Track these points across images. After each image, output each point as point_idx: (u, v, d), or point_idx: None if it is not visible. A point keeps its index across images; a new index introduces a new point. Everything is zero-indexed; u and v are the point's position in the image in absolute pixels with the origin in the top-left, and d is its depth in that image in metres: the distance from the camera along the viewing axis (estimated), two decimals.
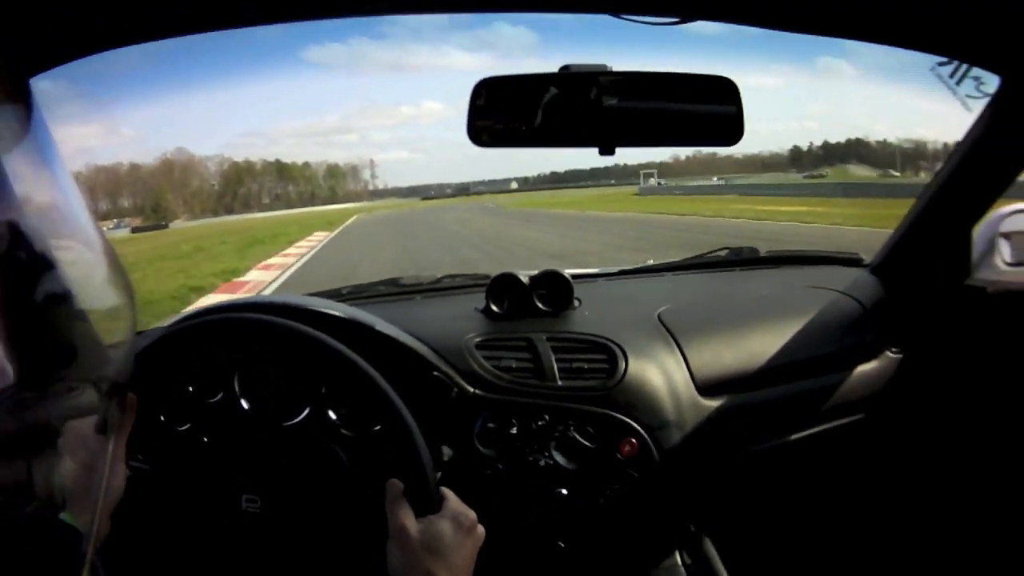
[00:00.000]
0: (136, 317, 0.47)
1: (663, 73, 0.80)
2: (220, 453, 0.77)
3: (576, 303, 1.04)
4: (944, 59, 1.00)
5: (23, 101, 0.44)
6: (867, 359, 1.04)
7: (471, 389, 0.88)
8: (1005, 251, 1.10)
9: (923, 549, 1.14)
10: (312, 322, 0.74)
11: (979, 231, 1.09)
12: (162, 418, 0.81)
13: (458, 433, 0.87)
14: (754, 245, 1.38)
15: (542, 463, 0.88)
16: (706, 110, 0.80)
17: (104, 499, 0.64)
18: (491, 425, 0.88)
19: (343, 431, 0.78)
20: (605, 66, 0.80)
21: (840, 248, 1.37)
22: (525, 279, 1.02)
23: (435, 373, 0.88)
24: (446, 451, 0.84)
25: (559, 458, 0.89)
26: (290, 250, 13.27)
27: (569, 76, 0.79)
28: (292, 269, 9.92)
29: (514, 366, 0.90)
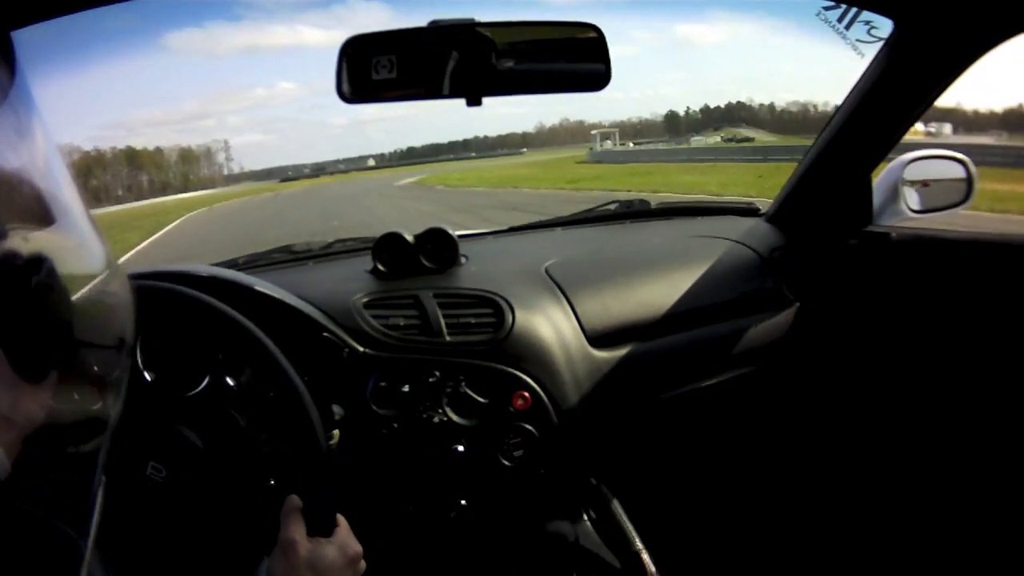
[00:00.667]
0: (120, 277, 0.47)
1: (528, 22, 0.81)
2: (126, 424, 0.78)
3: (463, 260, 1.05)
4: (831, 3, 1.01)
5: (3, 55, 0.43)
6: (764, 307, 1.05)
7: (361, 348, 0.89)
8: (912, 198, 1.10)
9: (818, 495, 1.15)
10: (205, 289, 0.75)
11: (880, 178, 1.09)
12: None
13: (351, 393, 0.88)
14: None
15: (436, 420, 0.89)
16: (572, 56, 0.81)
17: (22, 423, 0.65)
18: (383, 384, 0.89)
19: (241, 397, 0.79)
20: (472, 20, 0.81)
21: None
22: (410, 238, 1.02)
23: (325, 334, 0.88)
24: (337, 410, 0.85)
25: (453, 414, 0.89)
26: None
27: (435, 30, 0.80)
28: None
29: (402, 323, 0.91)
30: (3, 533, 0.38)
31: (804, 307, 1.07)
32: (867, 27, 1.02)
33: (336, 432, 0.83)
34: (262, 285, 0.88)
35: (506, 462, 0.90)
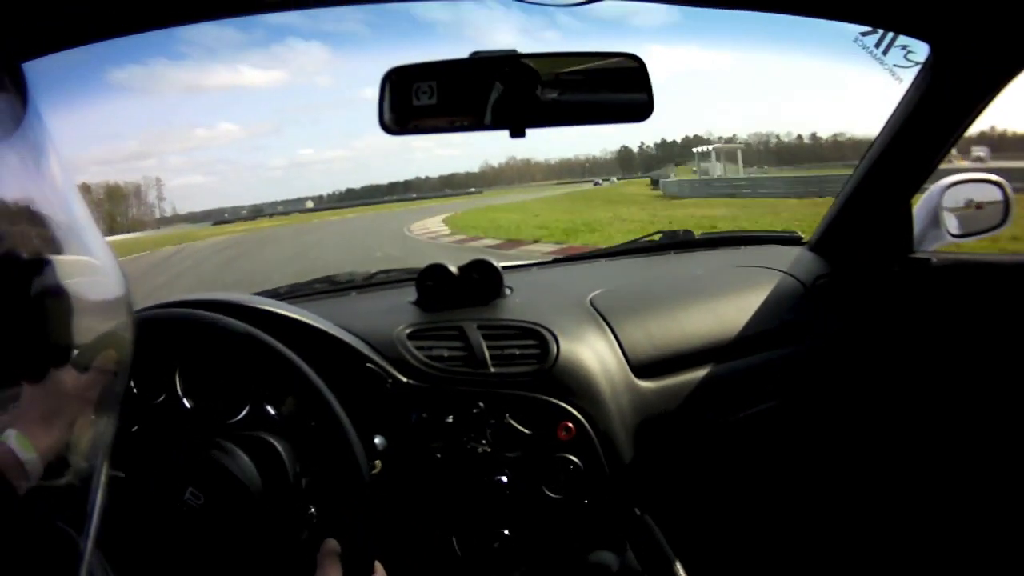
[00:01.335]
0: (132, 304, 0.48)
1: (571, 53, 0.81)
2: (166, 451, 0.77)
3: (507, 291, 1.04)
4: (868, 29, 1.00)
5: (16, 86, 0.44)
6: (808, 336, 1.03)
7: (405, 379, 0.88)
8: (951, 223, 1.09)
9: (868, 523, 1.12)
10: (246, 318, 0.75)
11: (920, 203, 1.08)
12: None
13: (394, 424, 0.86)
14: None
15: (480, 451, 0.88)
16: (614, 87, 0.81)
17: (62, 431, 0.64)
18: (427, 415, 0.88)
19: (281, 427, 0.78)
20: (514, 51, 0.81)
21: None
22: (455, 269, 1.02)
23: (368, 365, 0.87)
24: (379, 441, 0.83)
25: (497, 445, 0.88)
26: None
27: (478, 61, 0.80)
28: None
29: (446, 355, 0.90)
30: (4, 533, 0.38)
31: (848, 336, 1.05)
32: (904, 52, 1.02)
33: (378, 463, 0.81)
34: (304, 315, 0.88)
35: (550, 493, 0.88)
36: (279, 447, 0.75)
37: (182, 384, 0.81)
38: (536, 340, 0.91)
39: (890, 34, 0.99)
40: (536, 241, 10.76)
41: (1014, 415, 0.98)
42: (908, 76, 1.02)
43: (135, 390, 0.82)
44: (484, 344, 0.90)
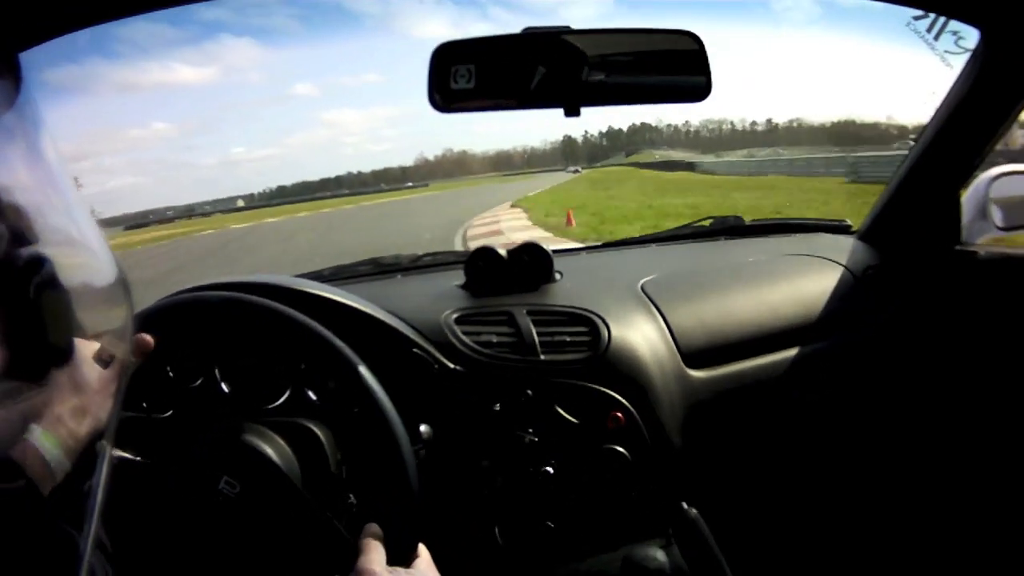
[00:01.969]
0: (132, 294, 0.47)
1: (627, 30, 0.78)
2: (201, 437, 0.74)
3: (557, 276, 1.01)
4: (920, 13, 0.98)
5: (11, 76, 0.44)
6: (856, 326, 1.01)
7: (451, 365, 0.86)
8: (996, 215, 1.07)
9: (915, 521, 1.10)
10: (290, 301, 0.72)
11: (967, 194, 1.06)
12: (145, 405, 0.78)
13: (440, 411, 0.84)
14: None
15: (527, 440, 0.85)
16: (672, 66, 0.78)
17: (89, 428, 0.62)
18: (473, 402, 0.85)
19: (323, 412, 0.76)
20: (568, 27, 0.78)
21: None
22: (503, 253, 0.99)
23: (414, 350, 0.85)
24: (424, 430, 0.81)
25: (544, 435, 0.85)
26: None
27: (530, 37, 0.77)
28: None
29: (495, 340, 0.87)
30: (5, 533, 0.38)
31: (896, 327, 1.03)
32: (955, 38, 1.00)
33: (422, 451, 0.78)
34: (348, 297, 0.85)
35: (596, 484, 0.86)
36: (320, 434, 0.73)
37: (220, 368, 0.78)
38: (587, 327, 0.88)
39: (942, 19, 0.98)
40: None
41: None
42: (959, 63, 1.01)
43: (171, 374, 0.79)
44: (534, 330, 0.87)
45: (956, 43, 0.99)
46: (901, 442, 1.09)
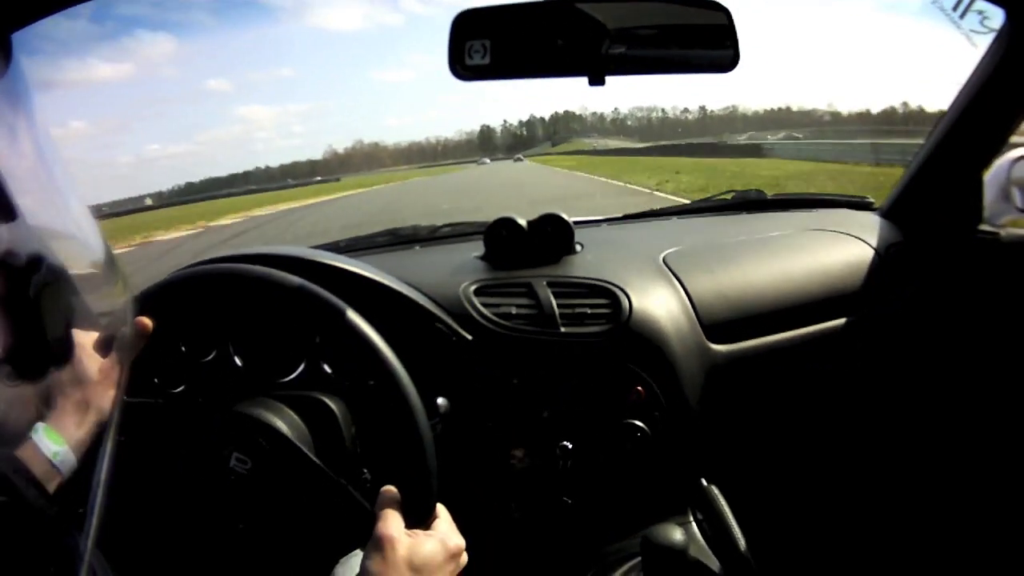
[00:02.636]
0: (123, 273, 0.47)
1: None
2: (212, 412, 0.73)
3: (578, 247, 1.00)
4: None
5: (6, 57, 0.44)
6: (877, 304, 1.00)
7: (470, 337, 0.84)
8: (1017, 197, 1.05)
9: (934, 498, 1.09)
10: (304, 272, 0.70)
11: (989, 176, 1.05)
12: (156, 380, 0.77)
13: (458, 383, 0.83)
14: None
15: (545, 414, 0.84)
16: (699, 36, 0.77)
17: (84, 414, 0.62)
18: (492, 375, 0.84)
19: (338, 385, 0.74)
20: None
21: None
22: (524, 223, 0.97)
23: (434, 323, 0.83)
24: (442, 403, 0.79)
25: (563, 409, 0.84)
26: None
27: (553, 3, 0.75)
28: None
29: (514, 312, 0.86)
30: (4, 533, 0.38)
31: (919, 305, 1.01)
32: (980, 17, 0.98)
33: (439, 424, 0.77)
34: (364, 268, 0.83)
35: (615, 460, 0.85)
36: (334, 407, 0.71)
37: (233, 342, 0.77)
38: (608, 299, 0.87)
39: None
40: None
41: None
42: (984, 43, 0.99)
43: (183, 348, 0.77)
44: (554, 302, 0.86)
45: (981, 23, 0.98)
46: (921, 420, 1.08)
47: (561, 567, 0.87)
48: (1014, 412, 1.03)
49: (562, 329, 0.85)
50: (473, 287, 0.88)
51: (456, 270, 0.93)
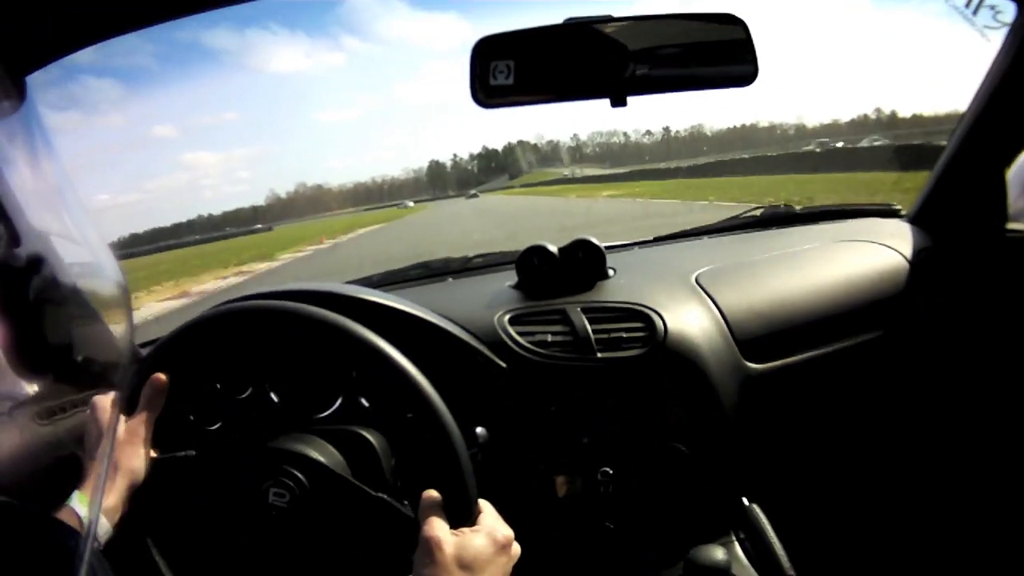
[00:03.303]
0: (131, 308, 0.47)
1: (669, 15, 0.77)
2: (243, 451, 0.72)
3: (610, 272, 1.00)
4: None
5: (20, 99, 0.45)
6: (914, 311, 0.99)
7: (507, 367, 0.84)
8: None
9: (981, 515, 1.07)
10: (338, 308, 0.70)
11: (1012, 174, 1.04)
12: (192, 417, 0.78)
13: (496, 413, 0.83)
14: None
15: (585, 440, 0.84)
16: (719, 52, 0.77)
17: (113, 479, 0.63)
18: (529, 403, 0.84)
19: (375, 419, 0.74)
20: (609, 15, 0.77)
21: None
22: (555, 250, 0.97)
23: (468, 352, 0.84)
24: (481, 432, 0.79)
25: (602, 435, 0.84)
26: None
27: (573, 26, 0.76)
28: None
29: (550, 339, 0.86)
30: (4, 533, 0.38)
31: (950, 311, 1.01)
32: (993, 12, 0.98)
33: (479, 454, 0.77)
34: (398, 301, 0.84)
35: (656, 483, 0.84)
36: (373, 440, 0.71)
37: (269, 378, 0.77)
38: (642, 322, 0.87)
39: None
40: None
41: None
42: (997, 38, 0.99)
43: (218, 386, 0.77)
44: (589, 327, 0.86)
45: (994, 17, 0.97)
46: (964, 432, 1.06)
47: None
48: None
49: (598, 355, 0.84)
50: (508, 316, 0.88)
51: (490, 300, 0.94)
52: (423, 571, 0.56)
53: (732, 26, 0.76)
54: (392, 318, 0.81)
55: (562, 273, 0.97)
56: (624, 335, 0.85)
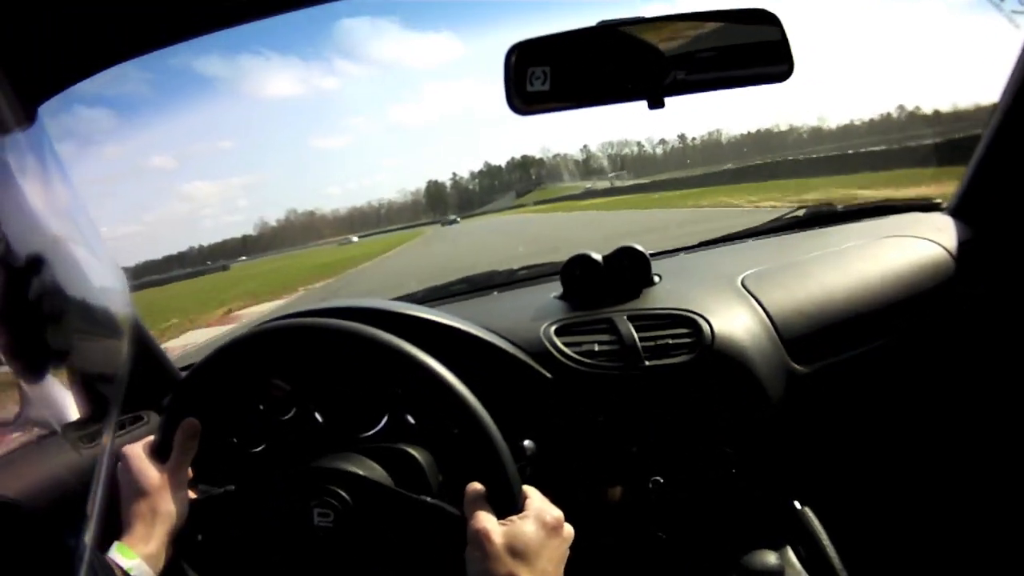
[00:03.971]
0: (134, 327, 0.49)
1: (701, 13, 0.77)
2: (284, 473, 0.71)
3: (656, 279, 0.99)
4: None
5: (32, 127, 0.46)
6: (958, 305, 0.98)
7: (554, 378, 0.84)
8: None
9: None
10: (383, 324, 0.69)
11: None
12: (235, 440, 0.78)
13: (543, 426, 0.82)
14: None
15: (634, 450, 0.84)
16: (755, 53, 0.76)
17: (152, 527, 0.63)
18: (577, 414, 0.84)
19: (422, 435, 0.74)
20: (641, 16, 0.77)
21: None
22: (599, 259, 0.97)
23: (515, 365, 0.84)
24: (528, 445, 0.79)
25: (651, 444, 0.84)
26: None
27: (607, 30, 0.76)
28: None
29: (597, 349, 0.85)
30: (4, 533, 0.39)
31: (991, 303, 1.00)
32: None
33: (528, 468, 0.77)
34: (443, 316, 0.84)
35: (707, 489, 0.84)
36: (419, 457, 0.71)
37: (313, 397, 0.77)
38: (689, 327, 0.86)
39: None
40: None
41: None
42: None
43: (261, 407, 0.78)
44: (636, 335, 0.85)
45: (1022, 2, 0.97)
46: (1013, 427, 1.04)
47: None
48: None
49: (646, 363, 0.84)
50: (554, 327, 0.88)
51: (536, 312, 0.93)
52: (476, 567, 0.56)
53: (769, 25, 0.75)
54: (437, 333, 0.81)
55: (607, 282, 0.96)
56: (671, 341, 0.85)
